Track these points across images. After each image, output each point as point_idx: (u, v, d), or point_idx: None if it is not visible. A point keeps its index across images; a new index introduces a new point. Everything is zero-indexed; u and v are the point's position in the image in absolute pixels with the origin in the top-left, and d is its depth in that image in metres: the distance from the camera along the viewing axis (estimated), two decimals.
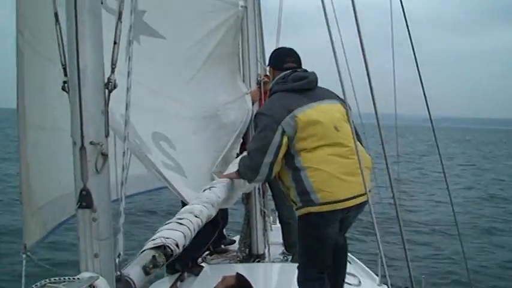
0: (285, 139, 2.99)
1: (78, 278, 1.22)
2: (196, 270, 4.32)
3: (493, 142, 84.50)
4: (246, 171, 3.16)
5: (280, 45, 4.67)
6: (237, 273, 2.85)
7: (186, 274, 4.36)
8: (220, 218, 4.43)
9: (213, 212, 2.62)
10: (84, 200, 1.28)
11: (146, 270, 1.71)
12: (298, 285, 3.25)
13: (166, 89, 3.63)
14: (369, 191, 2.94)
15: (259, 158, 3.02)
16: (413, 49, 3.84)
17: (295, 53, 3.43)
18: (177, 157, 3.35)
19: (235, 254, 4.73)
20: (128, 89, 1.48)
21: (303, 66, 3.38)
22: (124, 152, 1.52)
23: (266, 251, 4.61)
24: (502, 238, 12.62)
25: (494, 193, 19.99)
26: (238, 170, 3.23)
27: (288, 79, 3.23)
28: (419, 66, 4.00)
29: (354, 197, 2.97)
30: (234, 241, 5.20)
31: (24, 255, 2.77)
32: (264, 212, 4.56)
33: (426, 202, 17.11)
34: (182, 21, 3.78)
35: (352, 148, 2.95)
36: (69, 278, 1.19)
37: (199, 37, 3.93)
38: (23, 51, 2.61)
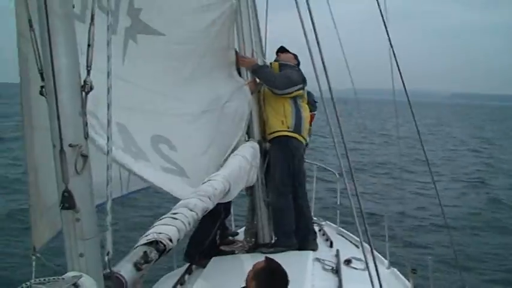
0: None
1: (63, 278, 1.25)
2: (203, 262, 4.36)
3: None
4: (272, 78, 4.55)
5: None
6: (266, 256, 2.87)
7: (193, 267, 4.41)
8: (223, 209, 4.46)
9: (210, 205, 2.64)
10: (66, 201, 1.31)
11: (138, 267, 1.73)
12: None
13: (166, 88, 3.64)
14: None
15: (286, 83, 4.54)
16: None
17: None
18: (177, 159, 3.36)
19: (241, 244, 4.76)
20: (108, 89, 1.50)
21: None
22: (108, 151, 1.53)
23: (272, 240, 4.63)
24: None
25: None
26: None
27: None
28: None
29: None
30: (238, 233, 5.23)
31: (33, 257, 2.81)
32: (268, 203, 4.57)
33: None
34: (179, 17, 3.77)
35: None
36: (53, 278, 1.22)
37: (196, 32, 3.93)
38: (25, 52, 2.63)
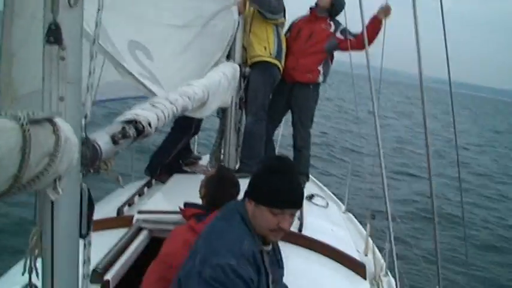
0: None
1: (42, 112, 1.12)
2: (164, 178, 4.29)
3: None
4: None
5: None
6: (219, 164, 2.81)
7: (153, 181, 4.33)
8: (194, 126, 4.38)
9: (189, 106, 2.52)
10: (53, 34, 1.16)
11: (115, 140, 1.61)
12: None
13: None
14: None
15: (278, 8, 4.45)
16: None
17: None
18: (153, 68, 3.21)
19: (205, 167, 4.69)
20: None
21: None
22: (92, 56, 1.39)
23: (237, 166, 4.58)
24: None
25: None
26: None
27: None
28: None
29: None
30: (201, 158, 5.17)
31: None
32: (239, 128, 4.50)
33: None
34: None
35: None
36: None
37: None
38: None
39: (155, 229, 3.22)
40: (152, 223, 3.24)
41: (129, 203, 3.73)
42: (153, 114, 1.97)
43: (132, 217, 3.31)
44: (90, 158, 1.45)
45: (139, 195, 3.96)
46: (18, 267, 1.92)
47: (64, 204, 1.30)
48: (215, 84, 3.27)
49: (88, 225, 1.45)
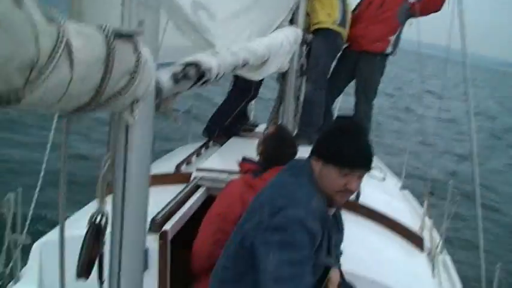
0: None
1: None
2: (221, 140, 4.36)
3: None
4: None
5: None
6: (278, 124, 2.84)
7: (211, 143, 4.41)
8: (253, 88, 4.40)
9: (249, 60, 2.52)
10: None
11: (176, 78, 1.64)
12: None
13: None
14: None
15: None
16: None
17: None
18: (214, 28, 3.21)
19: (261, 133, 4.72)
20: None
21: None
22: None
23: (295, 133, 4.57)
24: None
25: None
26: None
27: None
28: None
29: None
30: (257, 124, 5.20)
31: None
32: (298, 95, 4.46)
33: None
34: None
35: None
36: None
37: None
38: None
39: (212, 187, 3.29)
40: (210, 181, 3.31)
41: (187, 161, 3.82)
42: (214, 60, 1.99)
43: (190, 174, 3.40)
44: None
45: (197, 155, 4.05)
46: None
47: (138, 131, 1.35)
48: (277, 45, 3.25)
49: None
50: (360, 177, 1.96)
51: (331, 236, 2.00)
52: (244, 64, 2.50)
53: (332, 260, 2.05)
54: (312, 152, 2.04)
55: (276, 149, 2.73)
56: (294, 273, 1.71)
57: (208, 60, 1.93)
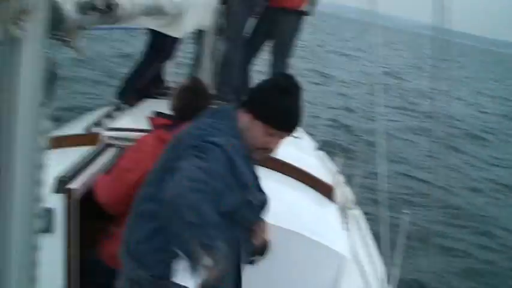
0: None
1: None
2: (134, 102, 4.13)
3: None
4: None
5: None
6: (193, 76, 2.67)
7: (124, 105, 4.17)
8: (170, 48, 4.20)
9: (166, 3, 2.34)
10: None
11: (81, 7, 1.46)
12: None
13: None
14: None
15: None
16: None
17: None
18: None
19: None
20: None
21: None
22: None
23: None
24: None
25: None
26: None
27: None
28: None
29: None
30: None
31: None
32: (215, 54, 4.30)
33: None
34: None
35: None
36: None
37: None
38: None
39: (124, 146, 3.09)
40: (121, 140, 3.12)
41: (97, 123, 3.58)
42: None
43: (99, 134, 3.19)
44: (53, 20, 1.28)
45: (108, 117, 3.81)
46: None
47: (28, 55, 1.17)
48: None
49: (49, 95, 1.30)
50: (282, 138, 1.93)
51: (258, 176, 1.96)
52: (159, 9, 2.32)
53: (265, 196, 1.99)
54: (243, 104, 1.95)
55: (190, 101, 2.59)
56: (204, 180, 1.57)
57: None
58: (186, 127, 2.02)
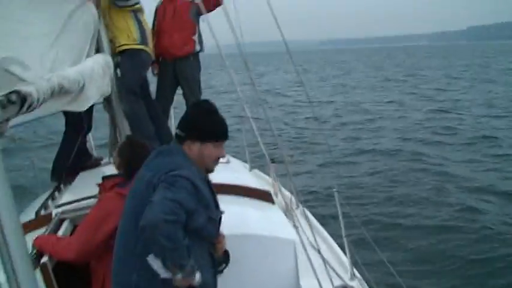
0: None
1: None
2: (71, 179, 4.41)
3: None
4: None
5: None
6: (127, 135, 3.04)
7: (62, 185, 4.44)
8: (85, 123, 4.53)
9: (65, 83, 2.71)
10: None
11: (2, 104, 1.84)
12: None
13: (11, 12, 3.52)
14: None
15: None
16: None
17: None
18: (28, 75, 3.30)
19: (107, 161, 4.86)
20: None
21: None
22: None
23: None
24: None
25: None
26: None
27: None
28: None
29: None
30: (102, 158, 5.28)
31: None
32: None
33: None
34: None
35: None
36: None
37: None
38: None
39: (77, 217, 3.29)
40: (72, 211, 3.33)
41: (45, 206, 3.82)
42: (32, 87, 2.19)
43: (50, 214, 3.39)
44: None
45: (52, 199, 4.07)
46: None
47: None
48: (88, 69, 3.46)
49: None
50: (223, 145, 2.45)
51: (215, 194, 2.45)
52: (61, 88, 2.71)
53: (220, 213, 2.48)
54: (183, 139, 2.40)
55: (133, 155, 2.85)
56: (175, 211, 2.03)
57: (26, 87, 2.13)
58: (138, 175, 2.38)
